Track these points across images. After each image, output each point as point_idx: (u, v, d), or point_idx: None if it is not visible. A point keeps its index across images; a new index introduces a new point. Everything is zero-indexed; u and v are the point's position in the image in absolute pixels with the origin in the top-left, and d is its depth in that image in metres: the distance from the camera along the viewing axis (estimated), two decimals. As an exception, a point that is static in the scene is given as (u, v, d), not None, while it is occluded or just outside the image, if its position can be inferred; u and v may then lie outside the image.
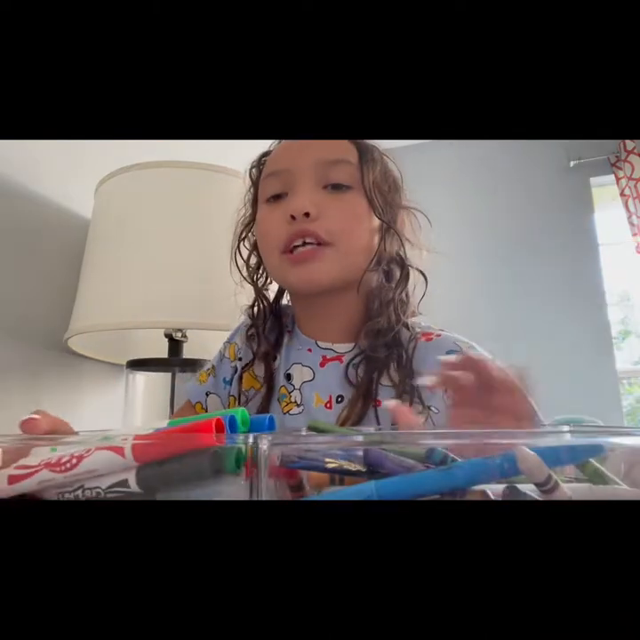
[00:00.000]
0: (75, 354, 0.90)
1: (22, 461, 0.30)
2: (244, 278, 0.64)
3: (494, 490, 0.24)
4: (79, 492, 0.28)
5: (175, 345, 0.90)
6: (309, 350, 0.60)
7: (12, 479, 0.29)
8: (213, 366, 0.65)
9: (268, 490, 0.24)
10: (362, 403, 0.53)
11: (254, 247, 0.64)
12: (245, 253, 0.64)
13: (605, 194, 2.22)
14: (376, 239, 0.57)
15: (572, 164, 2.19)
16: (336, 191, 0.55)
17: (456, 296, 2.15)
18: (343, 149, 0.57)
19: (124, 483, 0.27)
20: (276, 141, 0.63)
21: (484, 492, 0.24)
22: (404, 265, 0.60)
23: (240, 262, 0.64)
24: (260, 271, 0.64)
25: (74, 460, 0.28)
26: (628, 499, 0.23)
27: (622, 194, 2.09)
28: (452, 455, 0.24)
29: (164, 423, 0.34)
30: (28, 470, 0.29)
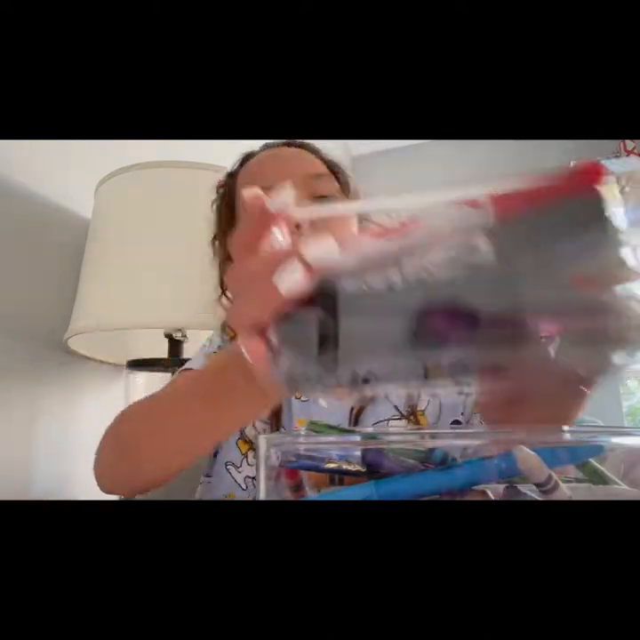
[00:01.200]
0: (75, 354, 0.89)
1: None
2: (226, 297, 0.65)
3: (494, 490, 0.24)
4: (396, 276, 0.21)
5: (175, 345, 0.90)
6: None
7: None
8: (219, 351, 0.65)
9: (268, 490, 0.24)
10: None
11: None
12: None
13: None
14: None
15: (572, 164, 2.18)
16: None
17: (456, 296, 2.14)
18: (318, 164, 0.61)
19: (472, 249, 0.20)
20: (238, 162, 0.66)
21: (484, 493, 0.24)
22: None
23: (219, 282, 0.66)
24: None
25: (408, 223, 0.21)
26: (628, 499, 0.23)
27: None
28: (452, 455, 0.24)
29: None
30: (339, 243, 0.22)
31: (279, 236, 0.24)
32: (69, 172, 0.94)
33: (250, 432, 0.60)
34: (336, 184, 0.59)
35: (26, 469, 0.82)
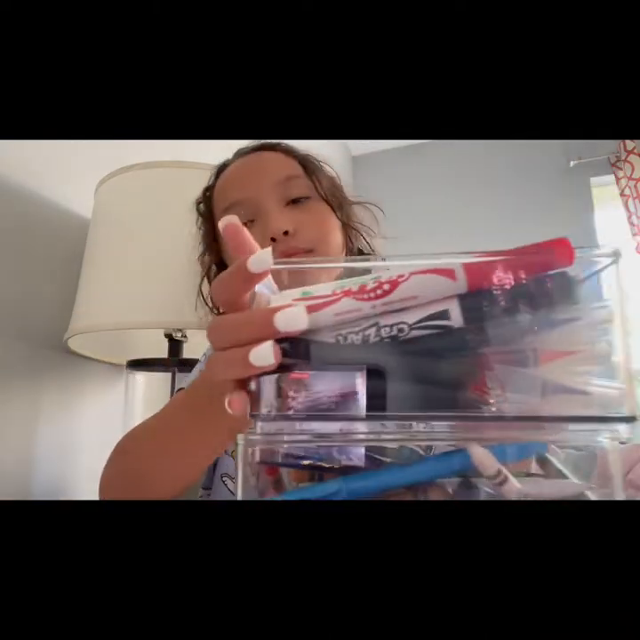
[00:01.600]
0: (75, 354, 0.90)
1: (293, 292, 0.25)
2: (213, 311, 0.66)
3: (453, 484, 0.25)
4: (371, 331, 0.23)
5: (175, 345, 0.90)
6: None
7: (312, 308, 0.24)
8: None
9: (247, 488, 0.25)
10: None
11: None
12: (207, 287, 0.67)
13: (605, 194, 2.22)
14: (342, 236, 0.62)
15: (571, 164, 2.19)
16: (299, 204, 0.58)
17: (456, 296, 2.14)
18: (289, 165, 0.60)
19: (443, 314, 0.22)
20: (213, 174, 0.66)
21: (442, 487, 0.25)
22: (366, 253, 0.64)
23: (206, 296, 0.67)
24: None
25: (386, 286, 0.23)
26: (574, 491, 0.25)
27: (622, 194, 2.09)
28: (420, 452, 0.25)
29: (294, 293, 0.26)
30: (324, 299, 0.23)
31: (259, 303, 0.25)
32: (69, 172, 0.94)
33: None
34: (308, 182, 0.59)
35: (26, 469, 0.82)
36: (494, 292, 0.22)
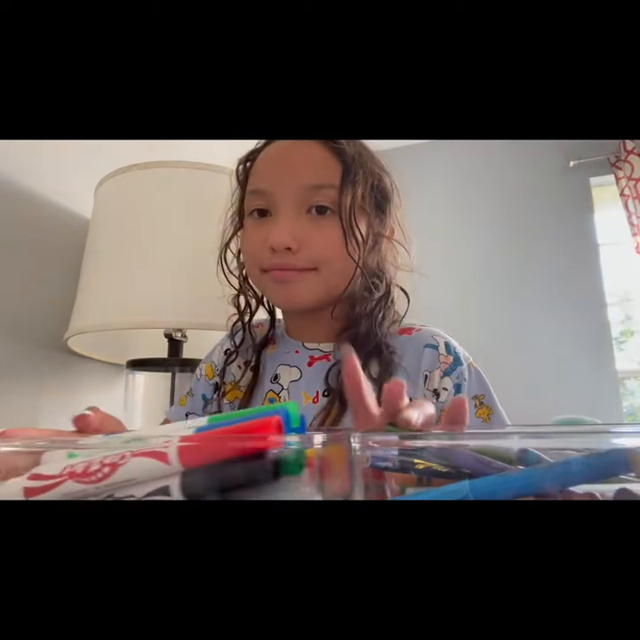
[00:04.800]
0: (75, 354, 0.90)
1: (36, 470, 0.26)
2: (227, 278, 0.63)
3: (601, 491, 0.22)
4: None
5: (175, 345, 0.90)
6: (297, 352, 0.61)
7: (30, 492, 0.24)
8: (191, 388, 0.67)
9: (360, 491, 0.23)
10: (339, 404, 0.53)
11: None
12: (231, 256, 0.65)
13: (605, 194, 2.22)
14: (357, 256, 0.56)
15: (571, 164, 2.19)
16: (319, 215, 0.55)
17: (456, 296, 2.15)
18: (328, 172, 0.55)
19: (165, 490, 0.24)
20: (262, 143, 0.62)
21: (591, 494, 0.22)
22: (383, 280, 0.59)
23: (229, 259, 0.64)
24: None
25: (106, 469, 0.24)
26: None
27: (622, 194, 2.09)
28: (545, 457, 0.23)
29: (203, 421, 0.31)
30: (49, 481, 0.24)
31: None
32: (69, 172, 0.94)
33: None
34: (333, 193, 0.54)
35: (26, 469, 0.82)
36: (211, 470, 0.24)
